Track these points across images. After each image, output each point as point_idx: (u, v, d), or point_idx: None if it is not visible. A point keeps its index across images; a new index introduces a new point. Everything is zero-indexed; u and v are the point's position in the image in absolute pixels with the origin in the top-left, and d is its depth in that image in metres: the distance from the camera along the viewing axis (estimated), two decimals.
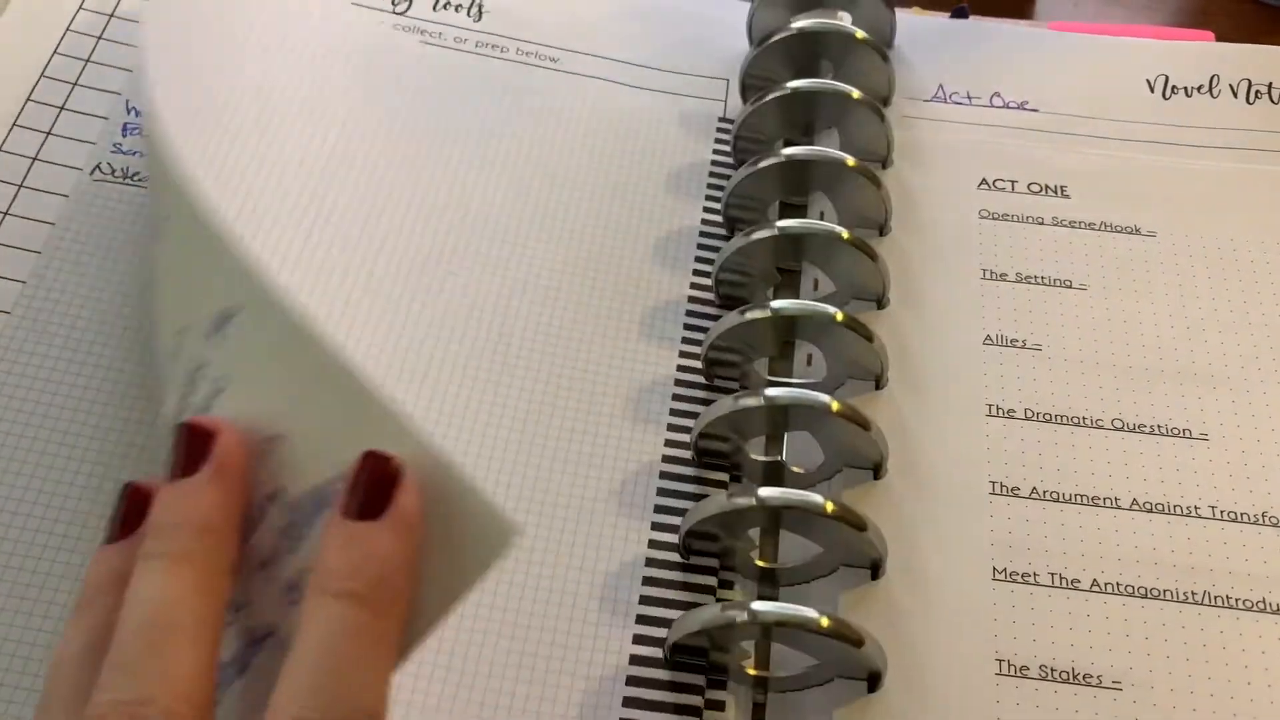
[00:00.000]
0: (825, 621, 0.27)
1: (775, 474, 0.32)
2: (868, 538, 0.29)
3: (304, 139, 0.37)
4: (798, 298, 0.36)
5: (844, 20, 0.40)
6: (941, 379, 0.34)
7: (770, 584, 0.31)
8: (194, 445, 0.24)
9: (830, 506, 0.29)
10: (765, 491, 0.29)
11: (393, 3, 0.40)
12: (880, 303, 0.35)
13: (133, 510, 0.24)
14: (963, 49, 0.42)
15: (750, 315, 0.32)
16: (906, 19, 0.42)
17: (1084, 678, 0.28)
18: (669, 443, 0.33)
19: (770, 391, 0.31)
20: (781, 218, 0.37)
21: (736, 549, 0.30)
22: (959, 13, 0.43)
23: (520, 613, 0.29)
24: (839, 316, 0.32)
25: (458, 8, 0.41)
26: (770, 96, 0.37)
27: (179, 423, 0.24)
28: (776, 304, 0.32)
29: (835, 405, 0.30)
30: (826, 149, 0.36)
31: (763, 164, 0.35)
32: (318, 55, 0.39)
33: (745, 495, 0.29)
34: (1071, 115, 0.40)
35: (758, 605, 0.27)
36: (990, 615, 0.29)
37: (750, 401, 0.30)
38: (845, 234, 0.34)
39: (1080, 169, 0.38)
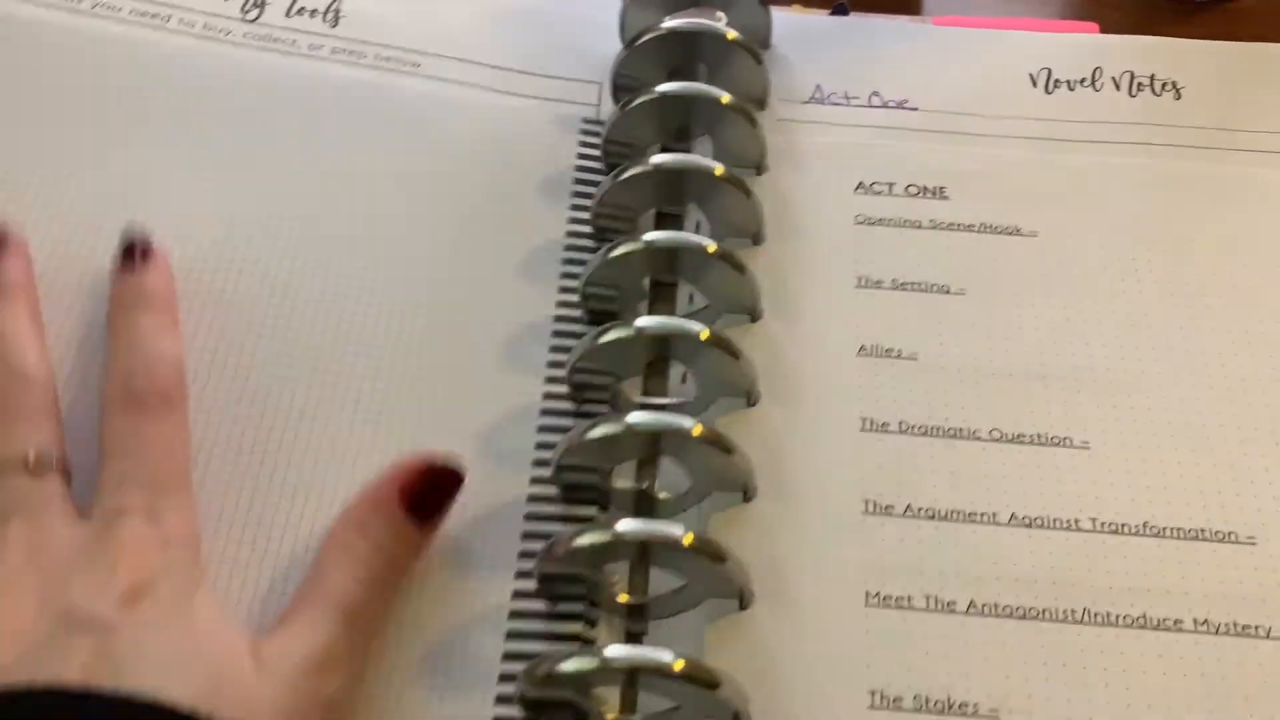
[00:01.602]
0: (680, 665, 0.25)
1: (643, 502, 0.31)
2: (729, 569, 0.27)
3: (140, 163, 0.34)
4: (673, 311, 0.34)
5: (719, 20, 0.38)
6: (815, 393, 0.32)
7: (639, 619, 0.29)
8: None
9: (689, 539, 0.27)
10: (623, 526, 0.27)
11: (243, 10, 0.38)
12: (753, 315, 0.33)
13: None
14: (841, 48, 0.40)
15: (610, 336, 0.30)
16: (785, 18, 0.40)
17: (960, 707, 0.27)
18: (535, 480, 0.30)
19: (631, 417, 0.29)
20: (658, 226, 0.36)
21: (597, 584, 0.28)
22: (839, 10, 0.41)
23: None
24: (704, 335, 0.30)
25: (313, 13, 0.38)
26: (638, 101, 0.35)
27: None
28: (641, 323, 0.30)
29: (696, 429, 0.29)
30: (694, 158, 0.34)
31: (629, 173, 0.33)
32: (161, 73, 0.37)
33: (599, 531, 0.27)
34: (952, 113, 0.38)
35: (609, 651, 0.26)
36: (863, 644, 0.28)
37: (604, 430, 0.28)
38: (712, 247, 0.32)
39: (960, 169, 0.37)
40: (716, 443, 0.29)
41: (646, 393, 0.32)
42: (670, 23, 0.37)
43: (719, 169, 0.34)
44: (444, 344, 0.32)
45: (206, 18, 0.38)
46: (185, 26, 0.37)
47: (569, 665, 0.25)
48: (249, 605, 0.28)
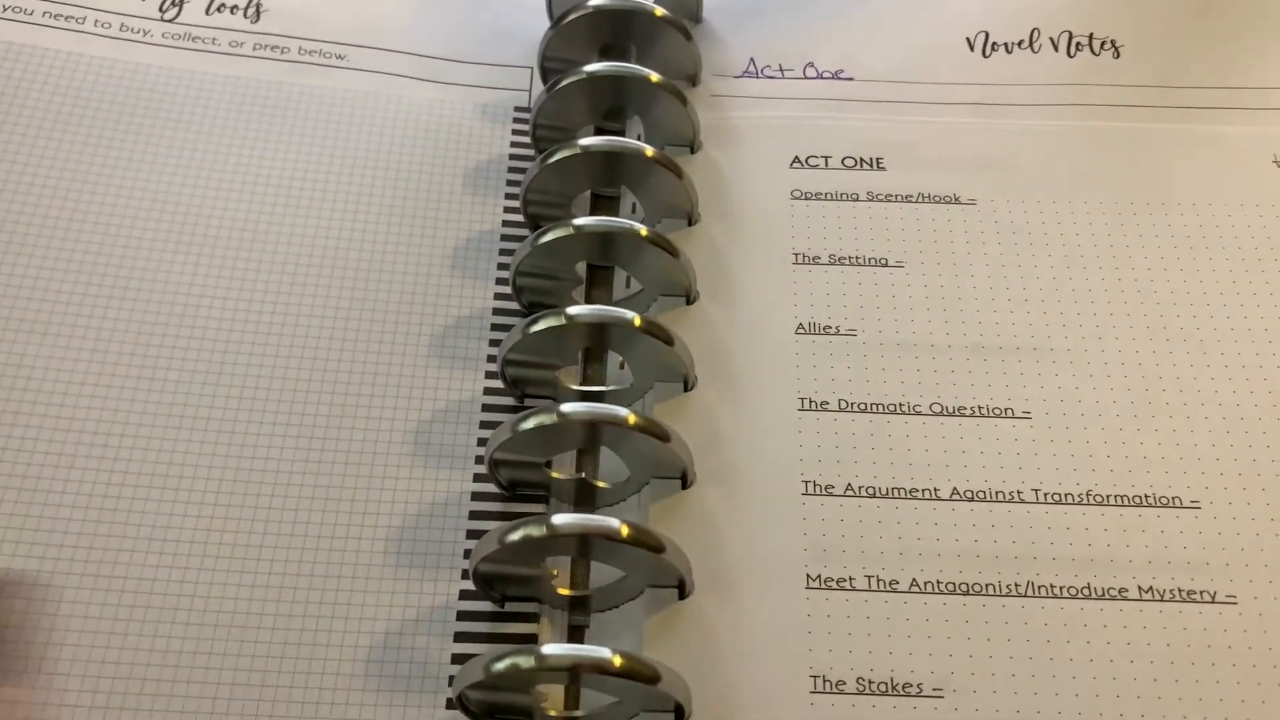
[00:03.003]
0: (618, 661, 0.24)
1: (584, 493, 0.30)
2: (667, 559, 0.27)
3: (57, 170, 0.33)
4: (609, 297, 0.34)
5: None
6: (752, 374, 0.31)
7: (581, 611, 0.29)
8: None
9: (625, 530, 0.26)
10: (558, 519, 0.26)
11: (160, 10, 0.37)
12: (689, 298, 0.33)
13: None
14: (775, 19, 0.39)
15: (541, 325, 0.29)
16: None
17: (903, 688, 0.26)
18: (478, 477, 0.30)
19: (565, 408, 0.28)
20: (593, 210, 0.35)
21: (538, 579, 0.28)
22: None
23: None
24: (636, 322, 0.30)
25: (233, 9, 0.37)
26: (565, 82, 0.34)
27: None
28: (572, 311, 0.30)
29: (631, 418, 0.28)
30: (623, 140, 0.33)
31: (557, 156, 0.33)
32: (76, 76, 0.35)
33: (532, 525, 0.26)
34: (888, 81, 0.37)
35: (547, 649, 0.25)
36: (804, 627, 0.27)
37: (536, 421, 0.28)
38: (644, 231, 0.31)
39: (896, 138, 0.36)
40: (652, 430, 0.28)
41: (585, 381, 0.32)
42: (597, 1, 0.36)
43: (649, 150, 0.33)
44: (377, 343, 0.32)
45: (123, 18, 0.36)
46: (101, 28, 0.36)
47: (504, 665, 0.25)
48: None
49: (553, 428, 0.28)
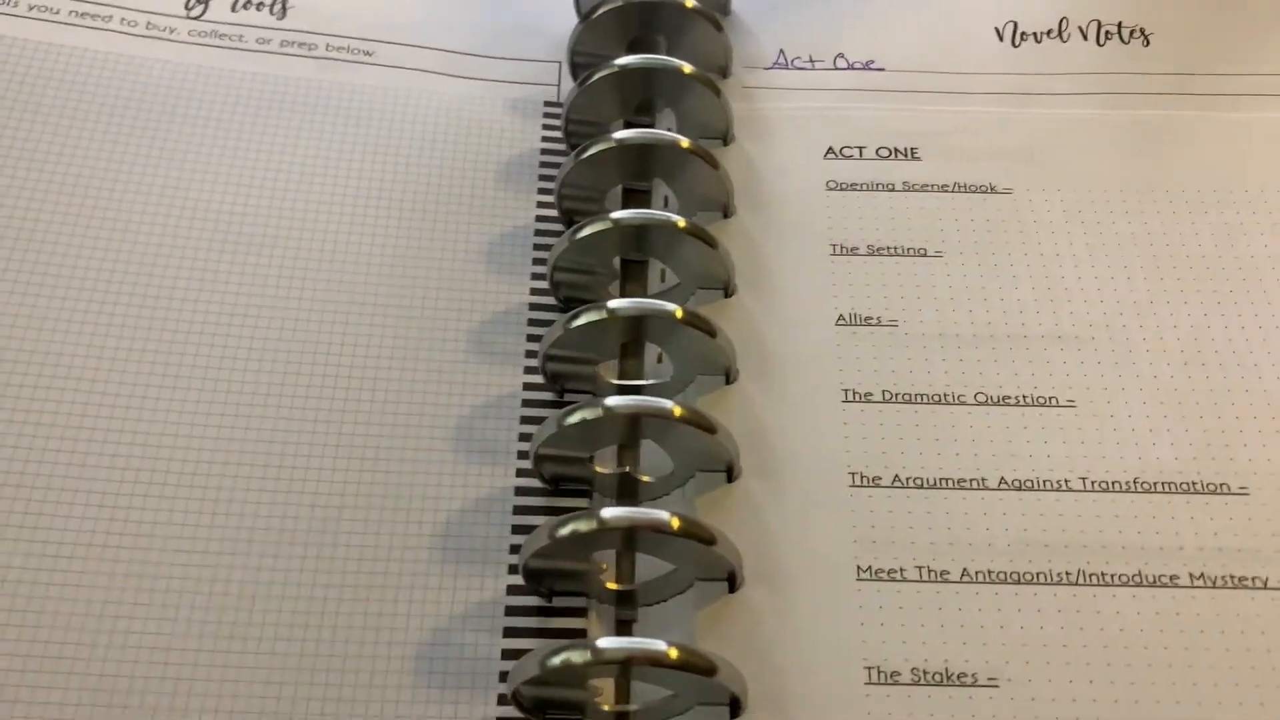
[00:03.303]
0: (674, 653, 0.24)
1: (627, 487, 0.30)
2: (718, 552, 0.26)
3: (87, 169, 0.33)
4: (644, 290, 0.34)
5: None
6: (794, 366, 0.31)
7: (629, 605, 0.28)
8: None
9: (676, 522, 0.26)
10: (607, 513, 0.26)
11: (186, 8, 0.37)
12: (727, 290, 0.32)
13: None
14: (804, 11, 0.39)
15: (582, 320, 0.29)
16: None
17: (959, 677, 0.26)
18: (521, 472, 0.29)
19: (609, 401, 0.28)
20: (625, 205, 0.35)
21: (586, 574, 0.28)
22: None
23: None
24: (678, 314, 0.29)
25: (259, 6, 0.37)
26: (597, 76, 0.34)
27: None
28: (613, 304, 0.29)
29: (676, 410, 0.28)
30: (658, 131, 0.33)
31: (591, 151, 0.32)
32: (105, 76, 0.35)
33: (583, 520, 0.26)
34: (919, 71, 0.37)
35: (602, 643, 0.25)
36: (857, 619, 0.27)
37: (581, 416, 0.27)
38: (682, 223, 0.31)
39: (930, 128, 0.36)
40: (697, 422, 0.28)
41: (623, 376, 0.32)
42: None
43: (685, 142, 0.32)
44: (415, 340, 0.31)
45: (149, 16, 0.36)
46: (127, 26, 0.36)
47: (558, 660, 0.24)
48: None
49: (597, 422, 0.28)
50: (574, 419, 0.28)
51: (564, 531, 0.26)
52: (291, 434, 0.29)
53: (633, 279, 0.34)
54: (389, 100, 0.36)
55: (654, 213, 0.31)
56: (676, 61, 0.34)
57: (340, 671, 0.27)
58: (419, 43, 0.37)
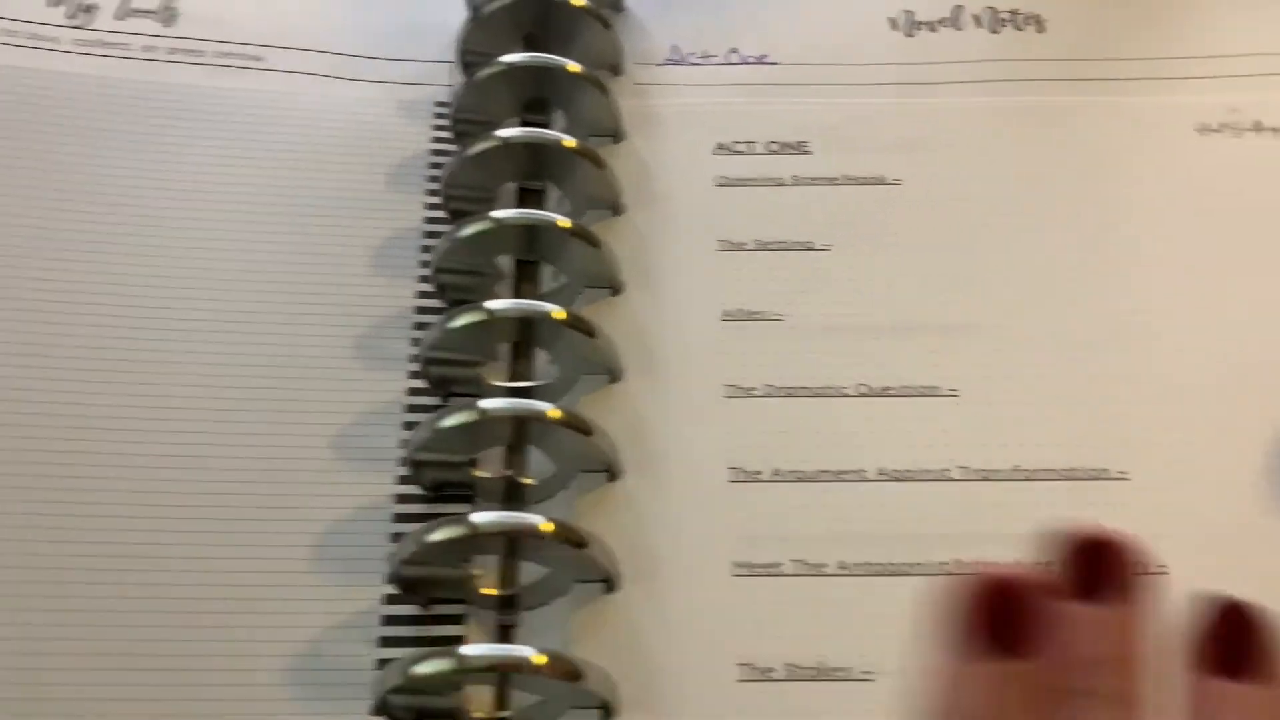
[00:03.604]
0: (540, 660, 0.24)
1: (511, 490, 0.29)
2: (591, 554, 0.26)
3: None
4: (537, 291, 0.33)
5: None
6: (679, 363, 0.31)
7: (510, 610, 0.28)
8: (1113, 565, 0.20)
9: (548, 527, 0.26)
10: (478, 518, 0.26)
11: (69, 17, 0.36)
12: (615, 289, 0.32)
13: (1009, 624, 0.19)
14: (698, 6, 0.38)
15: (460, 321, 0.29)
16: None
17: (833, 671, 0.26)
18: (403, 479, 0.29)
19: (484, 404, 0.28)
20: (520, 203, 0.34)
21: (463, 580, 0.27)
22: None
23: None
24: (558, 315, 0.29)
25: (145, 14, 0.36)
26: (482, 74, 0.34)
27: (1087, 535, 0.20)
28: (492, 305, 0.29)
29: (553, 413, 0.28)
30: (540, 130, 0.32)
31: (474, 149, 0.32)
32: None
33: (452, 526, 0.26)
34: (812, 65, 0.37)
35: (467, 651, 0.24)
36: (732, 615, 0.27)
37: (456, 419, 0.27)
38: (565, 223, 0.31)
39: (821, 122, 0.35)
40: (574, 425, 0.28)
41: (514, 377, 0.31)
42: None
43: (570, 141, 0.32)
44: (295, 347, 0.31)
45: (32, 26, 0.35)
46: (8, 37, 0.35)
47: (424, 668, 0.24)
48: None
49: (473, 425, 0.27)
50: (449, 422, 0.27)
51: (434, 537, 0.26)
52: (167, 445, 0.29)
53: (525, 279, 0.33)
54: (278, 105, 0.35)
55: (535, 213, 0.31)
56: (562, 60, 0.34)
57: (212, 686, 0.26)
58: (309, 46, 0.37)
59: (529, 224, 0.30)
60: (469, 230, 0.30)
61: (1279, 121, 0.35)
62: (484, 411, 0.27)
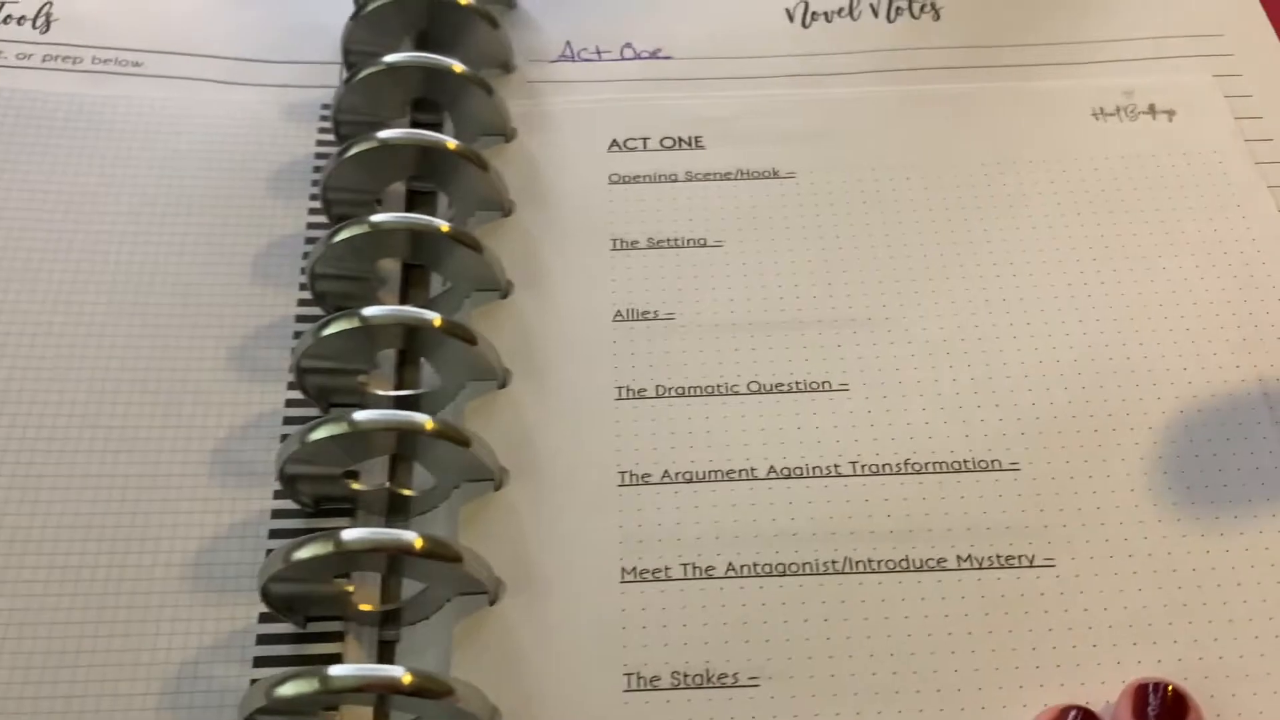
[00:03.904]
0: (408, 679, 0.23)
1: (393, 503, 0.28)
2: (467, 568, 0.25)
3: None
4: (426, 296, 0.32)
5: None
6: (568, 366, 0.30)
7: (392, 625, 0.27)
8: None
9: (419, 543, 0.25)
10: (347, 535, 0.25)
11: None
12: (503, 292, 0.31)
13: None
14: (592, 1, 0.38)
15: (333, 329, 0.27)
16: None
17: (719, 678, 0.25)
18: (280, 493, 0.28)
19: (356, 415, 0.26)
20: (409, 206, 0.33)
21: (339, 596, 0.26)
22: None
23: None
24: (437, 323, 0.28)
25: (20, 20, 0.35)
26: (363, 74, 0.32)
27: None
28: (366, 312, 0.28)
29: (428, 424, 0.26)
30: (419, 132, 0.31)
31: (352, 151, 0.31)
32: None
33: (322, 542, 0.25)
34: (707, 58, 0.36)
35: (333, 671, 0.23)
36: (619, 623, 0.26)
37: (325, 432, 0.26)
38: (445, 227, 0.30)
39: (715, 116, 0.34)
40: (451, 436, 0.26)
41: (399, 385, 0.30)
42: None
43: (451, 144, 0.31)
44: (172, 359, 0.29)
45: None
46: None
47: (287, 690, 0.23)
48: None
49: (344, 437, 0.26)
50: (318, 435, 0.26)
51: (300, 556, 0.25)
52: (37, 463, 0.28)
53: (414, 284, 0.32)
54: (159, 112, 0.34)
55: (411, 216, 0.30)
56: (445, 61, 0.32)
57: (84, 713, 0.25)
58: (191, 51, 0.35)
59: (405, 228, 0.29)
60: (342, 235, 0.29)
61: (1174, 105, 0.35)
62: (355, 424, 0.26)
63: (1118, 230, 0.32)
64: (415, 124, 0.34)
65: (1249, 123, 0.35)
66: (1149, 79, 0.35)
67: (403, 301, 0.31)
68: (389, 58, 0.33)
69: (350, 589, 0.26)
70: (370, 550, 0.25)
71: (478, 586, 0.26)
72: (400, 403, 0.29)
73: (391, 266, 0.32)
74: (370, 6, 0.34)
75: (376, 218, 0.30)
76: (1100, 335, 0.30)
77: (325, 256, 0.29)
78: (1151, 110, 0.35)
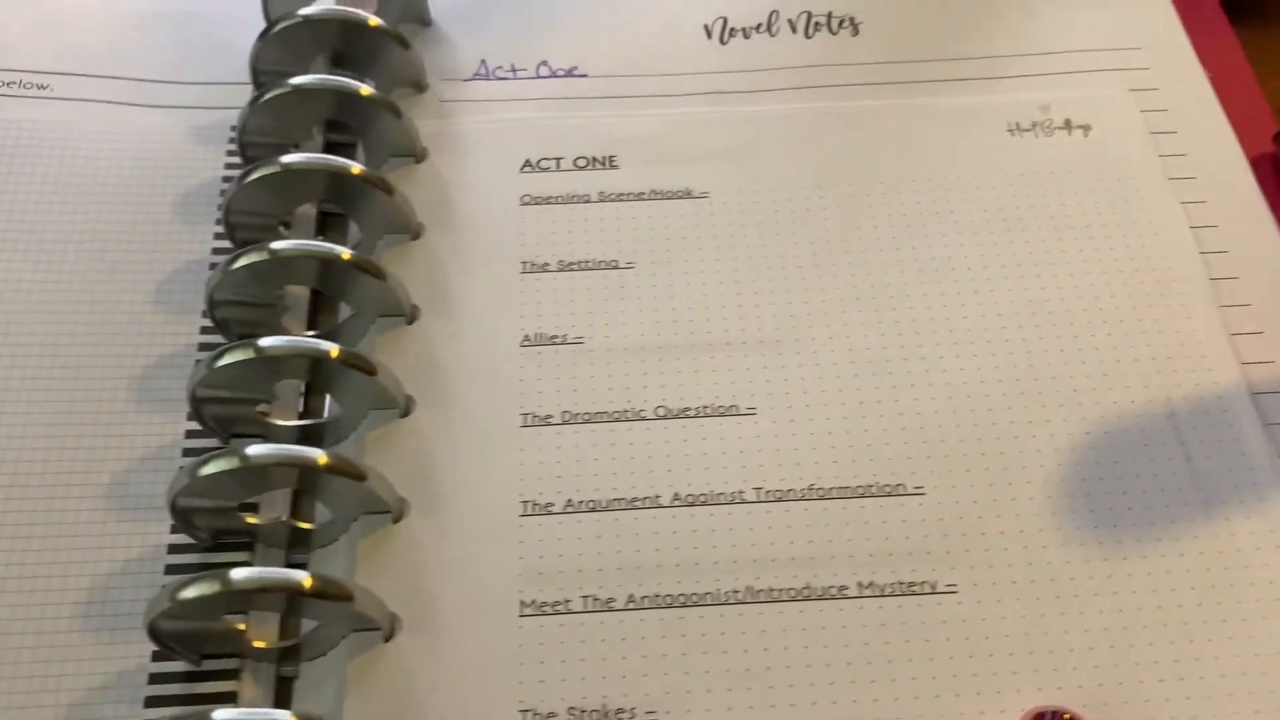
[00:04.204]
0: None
1: (293, 536, 0.28)
2: (358, 606, 0.25)
3: None
4: (335, 323, 0.31)
5: (364, 9, 0.35)
6: (473, 394, 0.29)
7: (290, 661, 0.26)
8: None
9: (308, 582, 0.24)
10: (236, 574, 0.24)
11: None
12: (408, 318, 0.30)
13: None
14: (507, 18, 0.36)
15: (225, 360, 0.27)
16: None
17: (616, 713, 0.24)
18: (178, 528, 0.27)
19: (248, 450, 0.26)
20: (319, 231, 0.32)
21: (229, 635, 0.26)
22: None
23: None
24: (334, 354, 0.27)
25: None
26: (268, 96, 0.31)
27: None
28: (262, 343, 0.27)
29: (321, 459, 0.25)
30: (320, 156, 0.30)
31: (253, 175, 0.30)
32: None
33: (208, 581, 0.24)
34: (624, 76, 0.35)
35: (218, 714, 0.23)
36: (516, 658, 0.25)
37: (216, 466, 0.25)
38: (345, 254, 0.29)
39: (631, 135, 0.34)
40: (344, 471, 0.26)
41: (306, 414, 0.30)
42: (307, 10, 0.34)
43: (355, 168, 0.30)
44: (76, 389, 0.29)
45: None
46: None
47: None
48: None
49: (236, 472, 0.26)
50: (207, 470, 0.25)
51: (188, 594, 0.24)
52: None
53: (322, 310, 0.31)
54: (64, 135, 0.33)
55: (312, 244, 0.29)
56: (351, 83, 0.32)
57: None
58: (100, 73, 0.34)
59: (305, 255, 0.29)
60: (240, 263, 0.28)
61: (1089, 119, 0.34)
62: (246, 459, 0.25)
63: (1030, 248, 0.32)
64: (329, 144, 0.33)
65: (1164, 137, 0.34)
66: (1066, 93, 0.35)
67: (310, 327, 0.31)
68: (295, 80, 0.32)
69: (242, 627, 0.25)
70: (258, 590, 0.24)
71: (371, 624, 0.25)
72: (302, 433, 0.29)
73: (300, 292, 0.31)
74: (278, 27, 0.33)
75: (276, 245, 0.29)
76: (1009, 355, 0.30)
77: (224, 283, 0.29)
78: (1067, 125, 0.34)
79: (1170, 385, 0.29)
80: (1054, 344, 0.30)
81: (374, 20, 0.33)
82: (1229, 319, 0.31)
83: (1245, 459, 0.28)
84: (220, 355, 0.27)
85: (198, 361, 0.29)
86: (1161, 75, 0.36)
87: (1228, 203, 0.33)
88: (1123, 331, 0.30)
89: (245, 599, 0.25)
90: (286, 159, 0.30)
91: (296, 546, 0.28)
